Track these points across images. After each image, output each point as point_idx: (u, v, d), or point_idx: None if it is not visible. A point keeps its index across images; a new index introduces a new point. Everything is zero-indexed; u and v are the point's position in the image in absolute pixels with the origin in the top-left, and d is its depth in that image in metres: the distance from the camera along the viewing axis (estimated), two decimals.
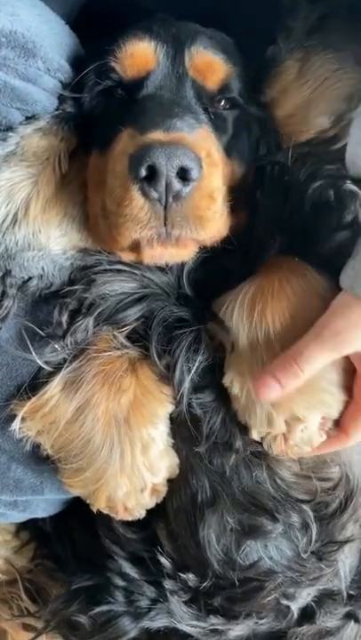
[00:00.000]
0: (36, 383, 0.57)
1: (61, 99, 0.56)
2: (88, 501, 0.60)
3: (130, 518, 0.61)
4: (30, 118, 0.54)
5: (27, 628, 0.73)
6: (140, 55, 0.54)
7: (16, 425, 0.56)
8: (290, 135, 0.63)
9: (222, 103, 0.58)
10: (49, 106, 0.55)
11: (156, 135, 0.48)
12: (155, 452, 0.57)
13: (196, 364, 0.56)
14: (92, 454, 0.56)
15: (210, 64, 0.56)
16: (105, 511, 0.60)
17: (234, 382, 0.55)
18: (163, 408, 0.58)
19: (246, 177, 0.60)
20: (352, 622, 0.67)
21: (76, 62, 0.57)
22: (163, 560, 0.62)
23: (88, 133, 0.57)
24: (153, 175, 0.47)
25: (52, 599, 0.71)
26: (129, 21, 0.60)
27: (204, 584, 0.61)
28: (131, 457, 0.56)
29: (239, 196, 0.59)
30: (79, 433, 0.55)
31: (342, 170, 0.59)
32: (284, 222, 0.58)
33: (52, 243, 0.55)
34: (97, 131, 0.56)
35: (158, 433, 0.57)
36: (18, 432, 0.56)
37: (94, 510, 0.60)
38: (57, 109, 0.55)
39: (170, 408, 0.58)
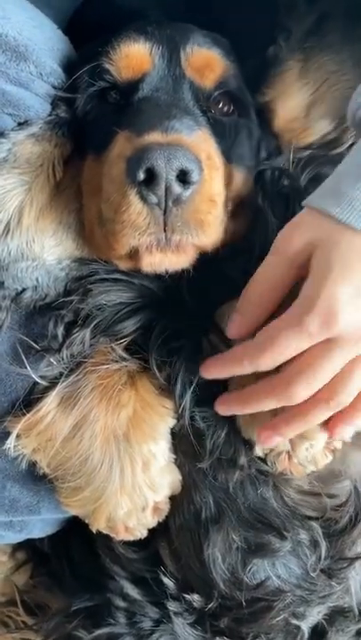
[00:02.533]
0: (31, 399, 0.54)
1: (54, 103, 0.54)
2: (87, 521, 0.57)
3: (131, 538, 0.58)
4: (22, 124, 0.52)
5: None
6: (135, 56, 0.53)
7: (11, 442, 0.54)
8: (290, 139, 0.62)
9: (221, 105, 0.56)
10: (42, 111, 0.53)
11: (154, 137, 0.46)
12: (156, 468, 0.55)
13: (198, 376, 0.54)
14: (91, 472, 0.54)
15: (206, 60, 0.54)
16: (105, 531, 0.57)
17: None
18: (164, 423, 0.55)
19: (246, 181, 0.58)
20: None
21: (69, 66, 0.56)
22: (166, 580, 0.60)
23: (82, 138, 0.55)
24: (152, 178, 0.45)
25: (51, 613, 0.69)
26: (119, 25, 0.59)
27: (210, 605, 0.59)
28: (131, 474, 0.54)
29: (239, 200, 0.58)
30: (77, 450, 0.53)
31: None
32: None
33: (46, 252, 0.53)
34: (91, 135, 0.54)
35: (159, 449, 0.55)
36: (13, 450, 0.54)
37: (93, 530, 0.58)
38: (50, 114, 0.54)
39: (171, 422, 0.56)
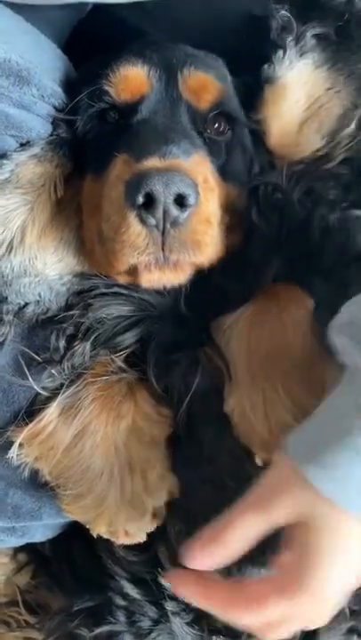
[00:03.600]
0: (33, 409, 0.56)
1: (55, 124, 0.56)
2: (88, 527, 0.59)
3: (131, 542, 0.60)
4: (24, 145, 0.54)
5: None
6: (133, 79, 0.55)
7: (14, 452, 0.55)
8: (283, 154, 0.63)
9: (217, 125, 0.58)
10: (43, 132, 0.55)
11: (153, 162, 0.48)
12: (154, 476, 0.57)
13: (194, 387, 0.56)
14: (92, 481, 0.55)
15: (203, 83, 0.56)
16: (105, 536, 0.59)
17: (234, 411, 0.55)
18: (161, 431, 0.57)
19: (241, 196, 0.60)
20: (355, 637, 0.67)
21: (69, 86, 0.57)
22: (164, 582, 0.62)
23: (82, 157, 0.57)
24: (150, 202, 0.47)
25: (53, 612, 0.70)
26: (118, 41, 0.60)
27: None
28: (131, 482, 0.56)
29: (234, 215, 0.59)
30: (78, 459, 0.55)
31: (342, 194, 0.59)
32: (280, 243, 0.59)
33: (48, 268, 0.55)
34: (91, 155, 0.56)
35: (157, 457, 0.57)
36: (16, 458, 0.56)
37: (94, 535, 0.60)
38: (51, 135, 0.55)
39: (168, 431, 0.58)
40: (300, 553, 0.43)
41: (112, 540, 0.60)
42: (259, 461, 0.56)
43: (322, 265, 0.57)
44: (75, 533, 0.67)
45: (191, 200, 0.48)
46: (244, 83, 0.63)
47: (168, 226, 0.48)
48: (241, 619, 0.45)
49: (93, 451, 0.55)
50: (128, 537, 0.59)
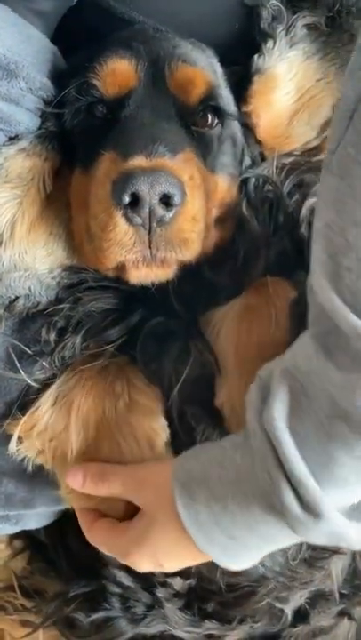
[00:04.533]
0: (26, 401, 0.57)
1: (44, 117, 0.56)
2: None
3: None
4: (13, 139, 0.54)
5: (24, 624, 0.74)
6: (121, 73, 0.54)
7: (13, 446, 0.56)
8: (273, 146, 0.63)
9: (205, 119, 0.58)
10: (32, 125, 0.54)
11: (139, 161, 0.48)
12: (160, 445, 0.57)
13: (184, 376, 0.56)
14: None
15: (190, 77, 0.56)
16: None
17: (224, 405, 0.56)
18: (158, 404, 0.57)
19: (231, 189, 0.60)
20: (345, 619, 0.69)
21: (59, 78, 0.57)
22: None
23: (71, 151, 0.57)
24: (136, 202, 0.48)
25: (50, 597, 0.72)
26: (108, 30, 0.60)
27: (189, 582, 0.62)
28: (140, 455, 0.56)
29: (224, 208, 0.59)
30: (82, 446, 0.56)
31: None
32: (269, 237, 0.59)
33: (38, 262, 0.55)
34: (79, 149, 0.56)
35: (160, 425, 0.57)
36: (17, 453, 0.56)
37: None
38: (40, 128, 0.55)
39: (163, 407, 0.58)
40: (132, 535, 0.53)
41: None
42: None
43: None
44: (69, 521, 0.68)
45: (177, 199, 0.48)
46: (234, 73, 0.62)
47: (154, 225, 0.49)
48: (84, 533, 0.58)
49: (96, 434, 0.55)
50: None
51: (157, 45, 0.57)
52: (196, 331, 0.58)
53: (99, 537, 0.57)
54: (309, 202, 0.59)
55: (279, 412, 0.44)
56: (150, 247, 0.50)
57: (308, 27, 0.62)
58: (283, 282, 0.56)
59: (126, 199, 0.47)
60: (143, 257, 0.50)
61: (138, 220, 0.48)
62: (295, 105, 0.63)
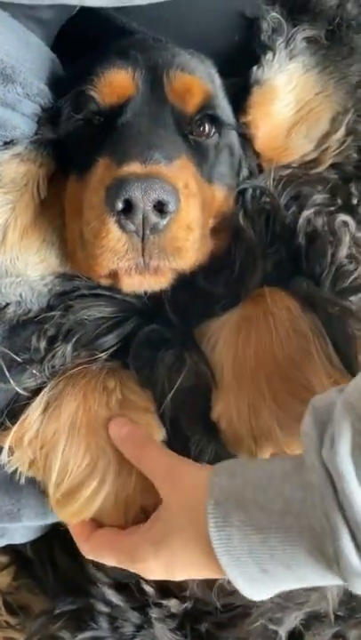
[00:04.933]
0: (16, 409, 0.55)
1: (40, 123, 0.55)
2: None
3: None
4: (8, 144, 0.53)
5: None
6: (118, 83, 0.54)
7: (4, 457, 0.55)
8: (271, 157, 0.63)
9: (203, 128, 0.57)
10: (28, 130, 0.54)
11: (133, 168, 0.47)
12: (160, 437, 0.56)
13: (178, 383, 0.55)
14: (102, 471, 0.54)
15: (189, 86, 0.56)
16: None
17: (221, 418, 0.54)
18: (152, 404, 0.56)
19: (228, 199, 0.60)
20: None
21: (57, 85, 0.57)
22: (147, 588, 0.61)
23: (66, 157, 0.57)
24: (130, 208, 0.47)
25: (35, 614, 0.70)
26: (107, 39, 0.60)
27: (185, 605, 0.60)
28: None
29: (221, 218, 0.59)
30: (77, 452, 0.54)
31: (330, 198, 0.59)
32: (266, 247, 0.58)
33: (30, 269, 0.54)
34: (75, 156, 0.56)
35: (157, 422, 0.56)
36: (9, 465, 0.55)
37: None
38: (35, 134, 0.55)
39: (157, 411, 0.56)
40: (150, 536, 0.50)
41: None
42: None
43: (309, 270, 0.57)
44: (56, 536, 0.67)
45: (171, 207, 0.48)
46: (233, 84, 0.62)
47: (147, 232, 0.48)
48: (82, 552, 0.56)
49: (92, 438, 0.54)
50: None
51: (156, 54, 0.56)
52: (192, 341, 0.57)
53: (101, 545, 0.54)
54: (306, 213, 0.58)
55: (344, 448, 0.40)
56: (143, 255, 0.49)
57: (308, 40, 0.62)
58: (280, 291, 0.55)
59: (119, 205, 0.47)
60: (136, 265, 0.50)
61: (131, 226, 0.48)
62: (294, 117, 0.62)
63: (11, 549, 0.73)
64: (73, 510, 0.55)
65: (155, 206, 0.47)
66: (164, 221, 0.48)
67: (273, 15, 0.60)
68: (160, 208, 0.47)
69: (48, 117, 0.56)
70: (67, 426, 0.54)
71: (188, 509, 0.48)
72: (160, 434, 0.55)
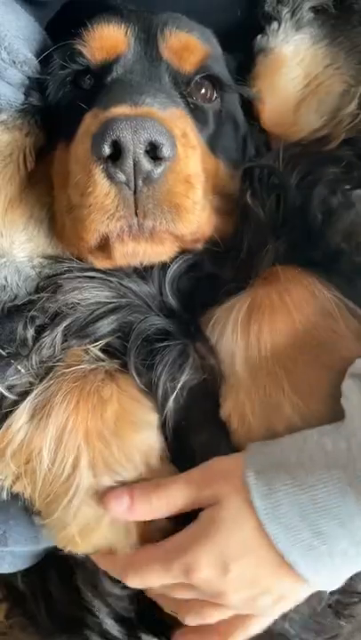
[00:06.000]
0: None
1: (27, 92, 0.52)
2: (114, 549, 0.50)
3: None
4: None
5: None
6: (109, 37, 0.50)
7: None
8: (279, 134, 0.58)
9: (203, 91, 0.53)
10: (14, 100, 0.50)
11: (122, 109, 0.42)
12: (155, 460, 0.49)
13: (182, 383, 0.49)
14: (89, 489, 0.47)
15: (186, 43, 0.51)
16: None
17: (232, 415, 0.48)
18: (152, 414, 0.49)
19: (233, 176, 0.55)
20: None
21: (46, 58, 0.53)
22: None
23: (56, 126, 0.52)
24: (118, 153, 0.41)
25: None
26: None
27: None
28: (135, 472, 0.48)
29: (226, 199, 0.54)
30: (63, 468, 0.47)
31: (344, 174, 0.54)
32: (276, 228, 0.53)
33: (16, 248, 0.49)
34: (63, 121, 0.51)
35: (155, 439, 0.49)
36: None
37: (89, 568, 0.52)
38: (23, 103, 0.51)
39: (159, 420, 0.50)
40: (197, 524, 0.47)
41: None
42: None
43: (326, 250, 0.51)
44: (50, 563, 0.60)
45: (166, 151, 0.42)
46: (236, 58, 0.58)
47: (140, 182, 0.42)
48: (126, 580, 0.49)
49: (79, 453, 0.47)
50: None
51: (151, 15, 0.53)
52: (196, 331, 0.51)
53: (142, 559, 0.49)
54: (319, 191, 0.53)
55: None
56: (137, 213, 0.43)
57: (316, 9, 0.58)
58: (295, 269, 0.49)
59: (106, 149, 0.41)
60: (129, 227, 0.44)
61: (121, 175, 0.42)
62: (302, 91, 0.58)
63: (4, 584, 0.69)
64: (67, 536, 0.49)
65: (147, 151, 0.41)
66: (159, 169, 0.42)
67: None
68: (153, 153, 0.42)
69: (35, 85, 0.52)
70: (54, 440, 0.47)
71: (231, 490, 0.45)
72: (158, 453, 0.49)
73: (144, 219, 0.43)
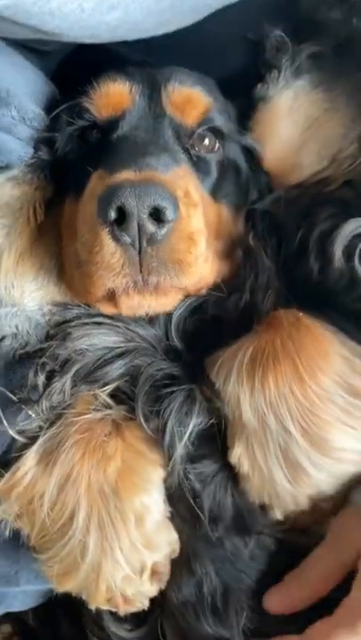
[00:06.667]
0: (9, 458, 0.50)
1: (36, 146, 0.54)
2: (84, 598, 0.51)
3: (133, 610, 0.52)
4: (3, 168, 0.51)
5: None
6: (114, 95, 0.52)
7: None
8: (281, 176, 0.60)
9: (205, 142, 0.54)
10: (24, 154, 0.52)
11: (126, 174, 0.44)
12: (151, 523, 0.49)
13: (190, 428, 0.50)
14: (80, 537, 0.48)
15: (188, 97, 0.53)
16: (105, 607, 0.51)
17: (242, 459, 0.48)
18: (156, 471, 0.50)
19: (236, 220, 0.56)
20: None
21: (52, 109, 0.55)
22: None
23: (64, 180, 0.54)
24: (123, 218, 0.43)
25: None
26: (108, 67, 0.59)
27: None
28: (126, 533, 0.48)
29: (229, 241, 0.55)
30: (61, 514, 0.48)
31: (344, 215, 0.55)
32: (279, 269, 0.54)
33: (26, 298, 0.51)
34: (71, 176, 0.53)
35: (153, 501, 0.50)
36: None
37: (92, 608, 0.52)
38: (32, 158, 0.53)
39: (163, 473, 0.51)
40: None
41: (113, 610, 0.52)
42: (279, 515, 0.50)
43: (325, 288, 0.52)
44: (58, 602, 0.60)
45: (169, 214, 0.44)
46: (238, 106, 0.60)
47: (145, 243, 0.44)
48: None
49: (78, 503, 0.48)
50: (128, 603, 0.51)
51: (154, 70, 0.55)
52: (202, 374, 0.51)
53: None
54: (317, 232, 0.54)
55: None
56: (141, 270, 0.45)
57: (315, 56, 0.60)
58: (298, 312, 0.50)
59: (112, 214, 0.43)
60: (134, 282, 0.45)
61: (126, 238, 0.44)
62: (303, 135, 0.60)
63: (14, 618, 0.67)
64: (50, 573, 0.50)
65: (151, 214, 0.43)
66: (163, 231, 0.44)
67: (277, 34, 0.59)
68: (157, 216, 0.43)
69: (44, 140, 0.54)
70: (57, 487, 0.49)
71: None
72: (153, 516, 0.50)
73: (149, 275, 0.45)
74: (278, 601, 0.50)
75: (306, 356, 0.47)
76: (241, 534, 0.51)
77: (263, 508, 0.50)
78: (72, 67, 0.63)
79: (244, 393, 0.48)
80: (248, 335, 0.51)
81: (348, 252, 0.51)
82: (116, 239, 0.44)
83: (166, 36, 0.60)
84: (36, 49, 0.58)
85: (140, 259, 0.44)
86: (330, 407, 0.47)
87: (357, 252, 0.51)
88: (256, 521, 0.50)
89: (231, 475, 0.50)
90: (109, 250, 0.44)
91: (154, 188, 0.43)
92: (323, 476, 0.48)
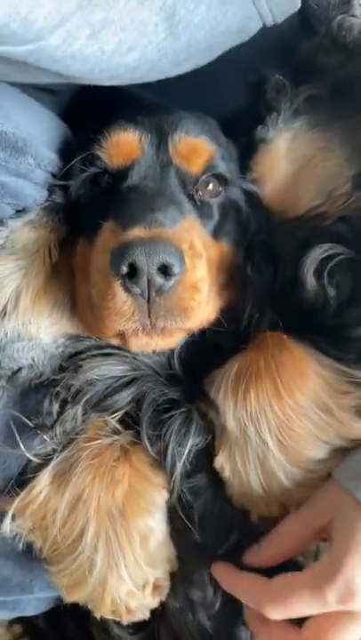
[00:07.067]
0: (25, 478, 0.54)
1: (51, 189, 0.57)
2: (91, 607, 0.56)
3: (135, 620, 0.57)
4: (20, 211, 0.55)
5: None
6: (125, 145, 0.55)
7: (7, 524, 0.53)
8: (280, 211, 0.63)
9: (208, 187, 0.58)
10: (39, 198, 0.56)
11: (137, 232, 0.48)
12: (154, 543, 0.54)
13: (188, 448, 0.54)
14: (89, 554, 0.52)
15: (193, 148, 0.57)
16: (109, 616, 0.56)
17: (224, 464, 0.53)
18: (160, 494, 0.55)
19: (235, 255, 0.60)
20: None
21: (66, 152, 0.58)
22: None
23: (76, 222, 0.58)
24: (134, 272, 0.47)
25: None
26: (118, 103, 0.62)
27: None
28: (131, 552, 0.53)
29: (229, 273, 0.59)
30: (72, 531, 0.53)
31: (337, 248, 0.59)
32: (274, 297, 0.58)
33: (42, 332, 0.55)
34: (84, 219, 0.57)
35: (156, 522, 0.55)
36: (9, 530, 0.54)
37: (97, 617, 0.56)
38: (46, 200, 0.56)
39: (166, 494, 0.56)
40: (336, 548, 0.48)
41: (116, 619, 0.57)
42: (255, 518, 0.54)
43: (320, 320, 0.56)
44: (67, 607, 0.64)
45: (176, 269, 0.48)
46: (240, 145, 0.63)
47: (153, 294, 0.48)
48: (268, 612, 0.50)
49: (88, 521, 0.53)
50: (130, 615, 0.56)
51: (162, 118, 0.58)
52: (199, 392, 0.56)
53: (284, 591, 0.50)
54: (308, 259, 0.57)
55: None
56: (150, 316, 0.49)
57: (312, 98, 0.63)
58: (282, 335, 0.54)
59: (124, 269, 0.47)
60: (143, 326, 0.49)
61: (136, 289, 0.48)
62: (300, 173, 0.63)
63: (24, 619, 0.71)
64: (60, 584, 0.55)
65: (159, 269, 0.47)
66: (170, 283, 0.48)
67: (277, 78, 0.62)
68: (165, 271, 0.48)
69: (58, 184, 0.57)
70: (68, 506, 0.53)
71: (338, 513, 0.48)
72: (156, 537, 0.54)
73: (156, 320, 0.49)
74: (254, 556, 0.53)
75: (286, 375, 0.52)
76: (230, 541, 0.55)
77: (245, 512, 0.54)
78: (84, 101, 0.66)
79: (229, 405, 0.53)
80: (237, 355, 0.55)
81: (318, 273, 0.55)
82: (128, 290, 0.48)
83: (178, 77, 0.63)
84: (46, 88, 0.61)
85: (148, 307, 0.48)
86: (305, 423, 0.51)
87: (325, 272, 0.55)
88: (240, 527, 0.54)
89: (220, 485, 0.54)
90: (121, 298, 0.48)
91: (162, 246, 0.47)
92: (293, 485, 0.52)
